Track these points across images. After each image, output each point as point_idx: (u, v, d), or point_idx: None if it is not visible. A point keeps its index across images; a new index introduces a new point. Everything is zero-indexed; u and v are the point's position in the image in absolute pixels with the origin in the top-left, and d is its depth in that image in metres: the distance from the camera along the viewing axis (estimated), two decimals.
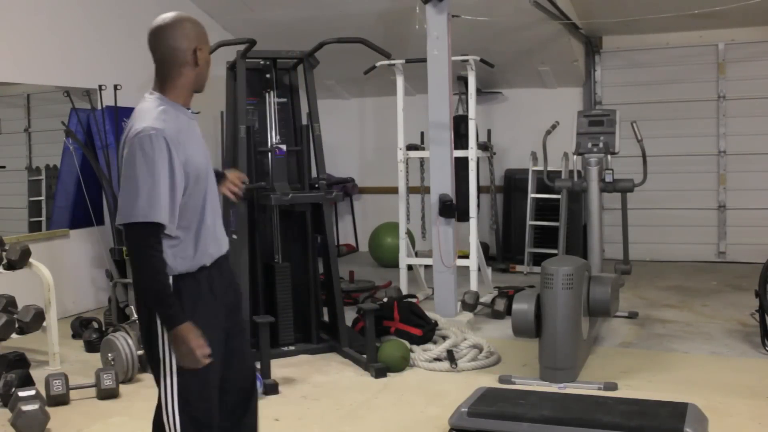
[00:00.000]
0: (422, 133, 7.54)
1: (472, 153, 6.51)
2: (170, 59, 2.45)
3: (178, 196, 2.41)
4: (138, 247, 2.38)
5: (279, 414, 4.11)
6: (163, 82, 2.49)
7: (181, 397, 2.47)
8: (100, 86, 6.52)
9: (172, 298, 2.41)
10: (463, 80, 7.37)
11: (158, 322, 2.44)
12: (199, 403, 2.51)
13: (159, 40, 2.45)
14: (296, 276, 5.28)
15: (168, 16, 2.46)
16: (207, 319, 2.49)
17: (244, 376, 2.73)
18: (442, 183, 5.90)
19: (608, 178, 5.94)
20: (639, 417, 3.45)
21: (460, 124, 7.14)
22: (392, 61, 6.46)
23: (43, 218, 6.94)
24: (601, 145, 5.93)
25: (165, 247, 2.42)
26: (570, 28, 7.81)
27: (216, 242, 2.58)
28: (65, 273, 6.31)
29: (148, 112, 2.42)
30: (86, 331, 5.57)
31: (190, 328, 2.40)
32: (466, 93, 6.95)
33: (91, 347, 5.38)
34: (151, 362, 2.54)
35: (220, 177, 3.14)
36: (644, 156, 6.08)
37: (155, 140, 2.35)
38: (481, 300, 5.91)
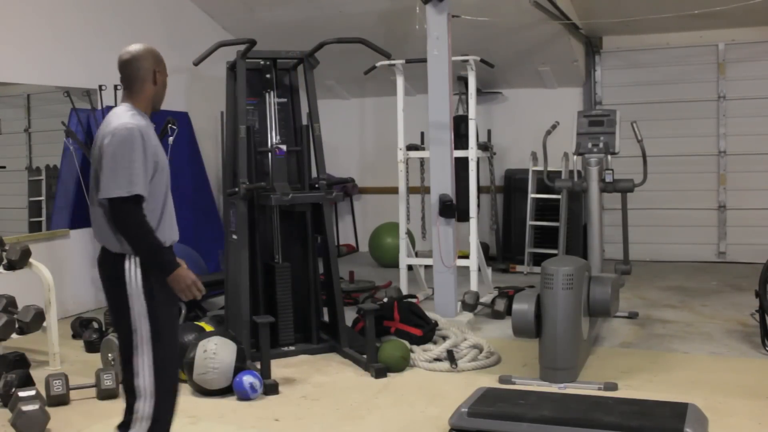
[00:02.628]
0: (422, 133, 7.54)
1: (472, 153, 6.51)
2: (136, 76, 2.94)
3: (148, 178, 2.82)
4: (129, 215, 2.78)
5: (279, 414, 4.11)
6: (130, 95, 2.96)
7: (155, 364, 2.84)
8: (100, 86, 6.52)
9: (166, 249, 2.87)
10: (463, 80, 7.37)
11: (129, 298, 2.83)
12: (170, 369, 2.93)
13: (128, 63, 2.94)
14: (296, 276, 5.28)
15: (137, 45, 2.97)
16: (170, 291, 2.89)
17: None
18: (442, 183, 5.90)
19: (608, 178, 5.94)
20: (639, 417, 3.45)
21: (460, 124, 7.14)
22: (392, 61, 6.46)
23: (43, 218, 6.93)
24: (601, 145, 5.93)
25: None
26: (570, 28, 7.81)
27: (172, 230, 2.97)
28: (65, 273, 6.31)
29: (122, 114, 2.88)
30: (86, 331, 5.57)
31: (184, 269, 2.85)
32: (466, 93, 6.95)
33: (91, 347, 5.38)
34: (122, 336, 2.89)
35: None
36: (644, 156, 6.08)
37: (132, 131, 2.79)
38: (481, 300, 5.91)
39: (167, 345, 2.89)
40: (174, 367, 2.99)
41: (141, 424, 2.85)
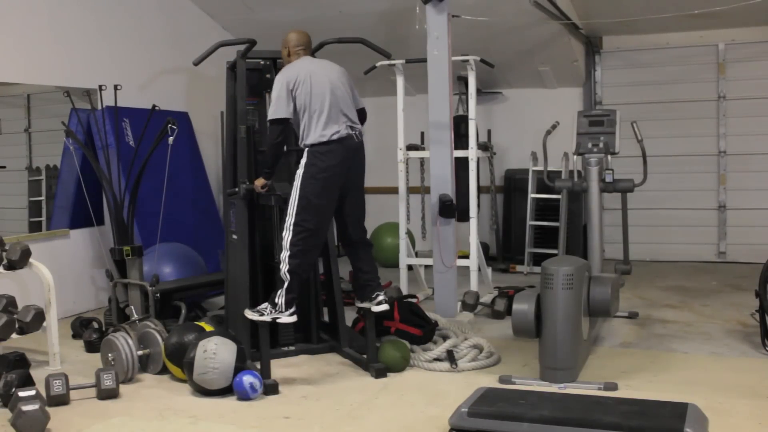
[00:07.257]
0: (422, 133, 7.55)
1: (472, 153, 6.51)
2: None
3: None
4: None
5: (279, 414, 4.11)
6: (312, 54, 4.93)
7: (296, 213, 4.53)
8: (100, 86, 6.52)
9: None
10: (463, 80, 7.37)
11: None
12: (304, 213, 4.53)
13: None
14: None
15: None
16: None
17: (356, 220, 4.83)
18: (442, 183, 5.90)
19: (608, 178, 5.94)
20: (639, 417, 3.45)
21: (460, 124, 7.14)
22: (392, 61, 6.46)
23: (43, 218, 6.93)
24: (601, 145, 5.93)
25: None
26: (570, 28, 7.81)
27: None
28: (65, 273, 6.31)
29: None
30: (86, 331, 5.57)
31: None
32: (466, 93, 6.96)
33: (91, 347, 5.38)
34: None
35: None
36: (644, 156, 6.08)
37: None
38: (481, 300, 5.90)
39: (304, 199, 4.61)
40: (307, 217, 4.62)
41: None
